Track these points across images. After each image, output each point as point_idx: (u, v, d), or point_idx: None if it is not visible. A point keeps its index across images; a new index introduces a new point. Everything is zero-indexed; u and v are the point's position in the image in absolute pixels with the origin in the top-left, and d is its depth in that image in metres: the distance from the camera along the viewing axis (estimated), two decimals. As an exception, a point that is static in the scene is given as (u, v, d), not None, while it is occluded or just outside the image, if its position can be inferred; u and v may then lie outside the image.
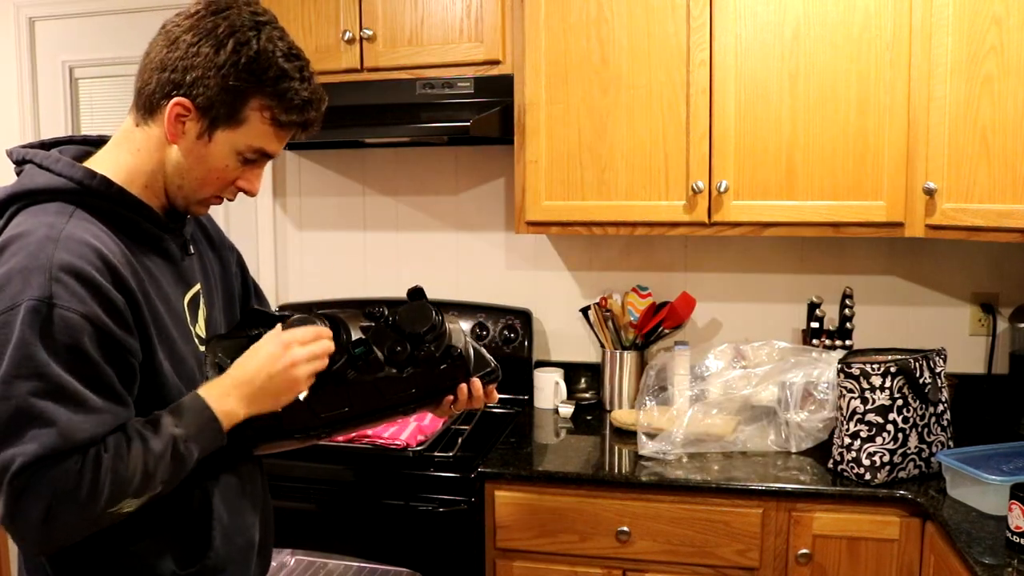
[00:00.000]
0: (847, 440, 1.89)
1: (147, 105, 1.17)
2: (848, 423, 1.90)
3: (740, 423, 2.12)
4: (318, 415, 1.26)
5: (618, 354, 2.44)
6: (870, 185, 2.06)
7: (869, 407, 1.87)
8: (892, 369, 1.85)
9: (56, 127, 2.98)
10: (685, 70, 2.13)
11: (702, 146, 2.13)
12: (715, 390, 2.17)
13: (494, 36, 2.25)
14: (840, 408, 1.93)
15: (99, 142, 1.24)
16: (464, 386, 1.36)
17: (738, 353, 2.25)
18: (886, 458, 1.85)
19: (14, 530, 1.04)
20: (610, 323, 2.45)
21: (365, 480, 2.06)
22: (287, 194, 2.83)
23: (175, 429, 1.11)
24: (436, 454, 2.07)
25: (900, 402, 1.86)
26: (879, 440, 1.86)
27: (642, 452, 2.07)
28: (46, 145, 1.23)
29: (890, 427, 1.86)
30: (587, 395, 2.60)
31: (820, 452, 2.05)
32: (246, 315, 1.41)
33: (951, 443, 1.95)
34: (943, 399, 1.92)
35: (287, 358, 1.18)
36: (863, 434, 1.87)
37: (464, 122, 2.10)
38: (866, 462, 1.86)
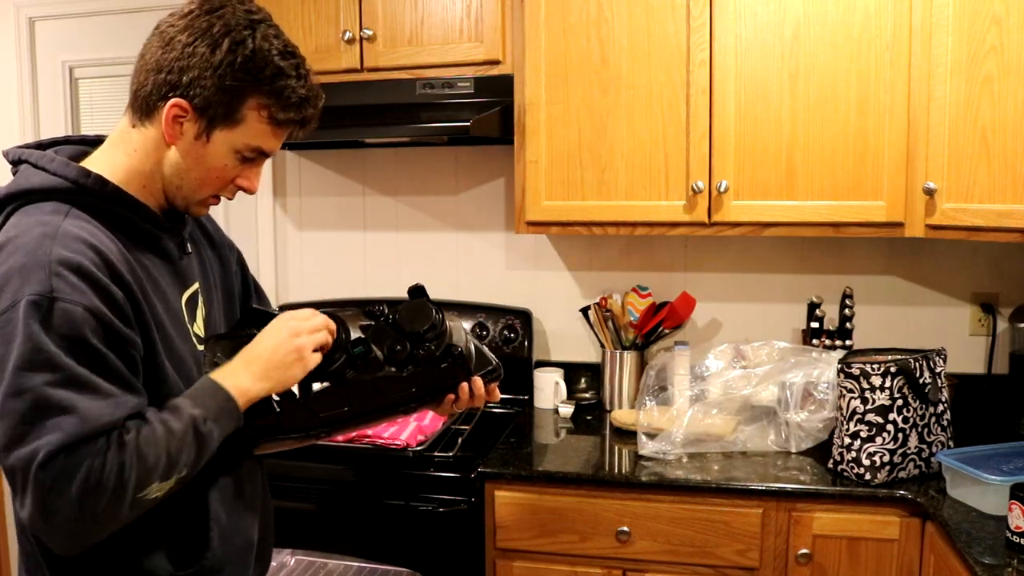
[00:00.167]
0: (847, 440, 1.89)
1: (143, 107, 1.17)
2: (848, 423, 1.90)
3: (740, 423, 2.12)
4: (317, 415, 1.26)
5: (618, 354, 2.44)
6: (870, 185, 2.06)
7: (869, 407, 1.87)
8: (892, 369, 1.85)
9: (56, 127, 2.98)
10: (685, 70, 2.13)
11: (702, 146, 2.13)
12: (715, 390, 2.17)
13: (494, 36, 2.25)
14: (840, 408, 1.93)
15: (96, 142, 1.24)
16: (465, 385, 1.35)
17: (738, 353, 2.25)
18: (886, 458, 1.85)
19: (46, 528, 1.03)
20: (610, 323, 2.45)
21: (365, 480, 2.06)
22: (287, 194, 2.83)
23: (193, 410, 1.11)
24: (436, 454, 2.07)
25: (900, 402, 1.86)
26: (879, 440, 1.86)
27: (642, 452, 2.07)
28: (43, 145, 1.22)
29: (890, 427, 1.85)
30: (587, 395, 2.60)
31: (820, 452, 2.05)
32: (245, 314, 1.41)
33: (951, 443, 1.95)
34: (943, 399, 1.92)
35: (289, 330, 1.21)
36: (863, 434, 1.87)
37: (464, 122, 2.10)
38: (866, 462, 1.86)
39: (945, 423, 1.93)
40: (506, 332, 2.56)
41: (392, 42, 2.32)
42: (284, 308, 2.71)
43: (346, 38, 2.33)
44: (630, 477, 1.96)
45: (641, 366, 2.42)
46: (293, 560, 2.08)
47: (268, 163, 2.76)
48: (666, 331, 2.46)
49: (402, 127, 2.31)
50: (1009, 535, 1.57)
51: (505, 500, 2.01)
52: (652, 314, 2.43)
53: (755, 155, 2.11)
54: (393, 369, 1.29)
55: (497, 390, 1.42)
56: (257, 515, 1.34)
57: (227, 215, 2.82)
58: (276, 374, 1.19)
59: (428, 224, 2.73)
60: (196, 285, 1.29)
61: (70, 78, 3.00)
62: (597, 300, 2.49)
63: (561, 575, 2.00)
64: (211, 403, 1.13)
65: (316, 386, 1.28)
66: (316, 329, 1.23)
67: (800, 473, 1.95)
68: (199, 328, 1.27)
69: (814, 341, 2.31)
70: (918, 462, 1.89)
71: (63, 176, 1.14)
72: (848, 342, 2.28)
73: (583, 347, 2.63)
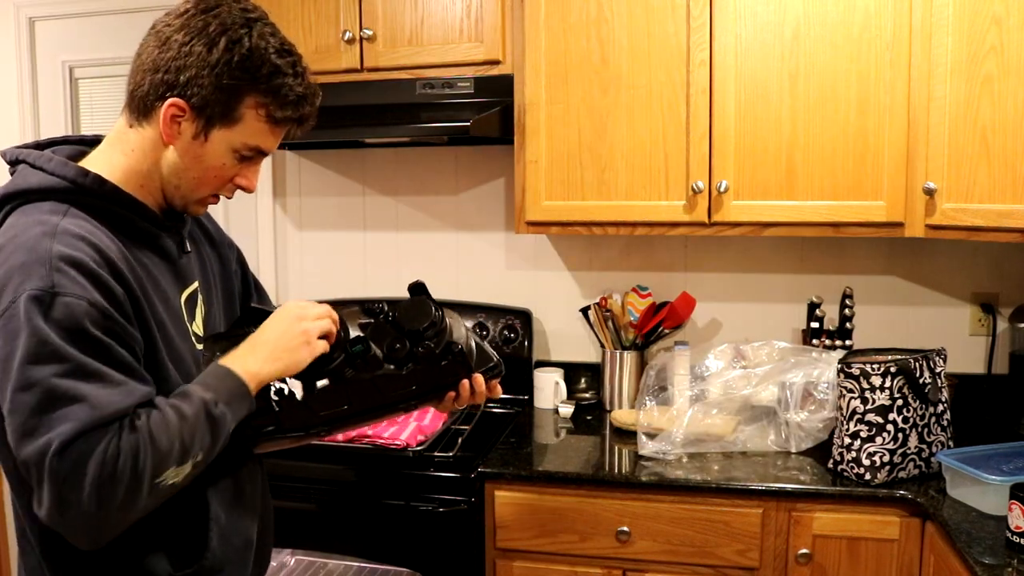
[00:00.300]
0: (847, 440, 1.89)
1: (141, 107, 1.17)
2: (848, 423, 1.89)
3: (740, 423, 2.12)
4: (317, 413, 1.25)
5: (618, 354, 2.44)
6: (870, 185, 2.05)
7: (869, 407, 1.86)
8: (892, 369, 1.85)
9: (56, 127, 2.98)
10: (685, 70, 2.13)
11: (702, 146, 2.13)
12: (715, 390, 2.17)
13: (494, 36, 2.25)
14: (840, 408, 1.93)
15: (94, 142, 1.24)
16: (466, 382, 1.35)
17: (738, 353, 2.25)
18: (886, 458, 1.85)
19: (64, 522, 1.02)
20: (610, 323, 2.45)
21: (365, 480, 2.06)
22: (287, 194, 2.83)
23: (205, 394, 1.11)
24: (436, 454, 2.07)
25: (900, 402, 1.86)
26: (879, 440, 1.85)
27: (642, 452, 2.07)
28: (41, 145, 1.22)
29: (890, 427, 1.85)
30: (587, 395, 2.60)
31: (820, 452, 2.05)
32: (245, 313, 1.41)
33: (951, 443, 1.94)
34: (943, 399, 1.92)
35: (294, 315, 1.22)
36: (863, 434, 1.87)
37: (464, 122, 2.10)
38: (866, 462, 1.86)
39: (945, 423, 1.93)
40: (506, 332, 2.56)
41: (392, 42, 2.32)
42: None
43: (346, 38, 2.33)
44: (630, 477, 1.96)
45: (641, 366, 2.42)
46: (293, 560, 2.08)
47: (268, 163, 2.76)
48: (666, 331, 2.46)
49: (402, 127, 2.31)
50: (1009, 535, 1.57)
51: (505, 500, 2.01)
52: (652, 314, 2.43)
53: (755, 155, 2.11)
54: (392, 367, 1.28)
55: (499, 386, 1.42)
56: (257, 515, 1.34)
57: (227, 215, 2.83)
58: (284, 355, 1.19)
59: (428, 224, 2.73)
60: (195, 284, 1.29)
61: (70, 78, 3.00)
62: (597, 300, 2.48)
63: (561, 575, 2.00)
64: (221, 386, 1.13)
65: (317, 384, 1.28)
66: (320, 316, 1.23)
67: (800, 473, 1.95)
68: (198, 327, 1.27)
69: (814, 341, 2.31)
70: (918, 462, 1.89)
71: (61, 176, 1.14)
72: (848, 342, 2.28)
73: (583, 347, 2.63)
